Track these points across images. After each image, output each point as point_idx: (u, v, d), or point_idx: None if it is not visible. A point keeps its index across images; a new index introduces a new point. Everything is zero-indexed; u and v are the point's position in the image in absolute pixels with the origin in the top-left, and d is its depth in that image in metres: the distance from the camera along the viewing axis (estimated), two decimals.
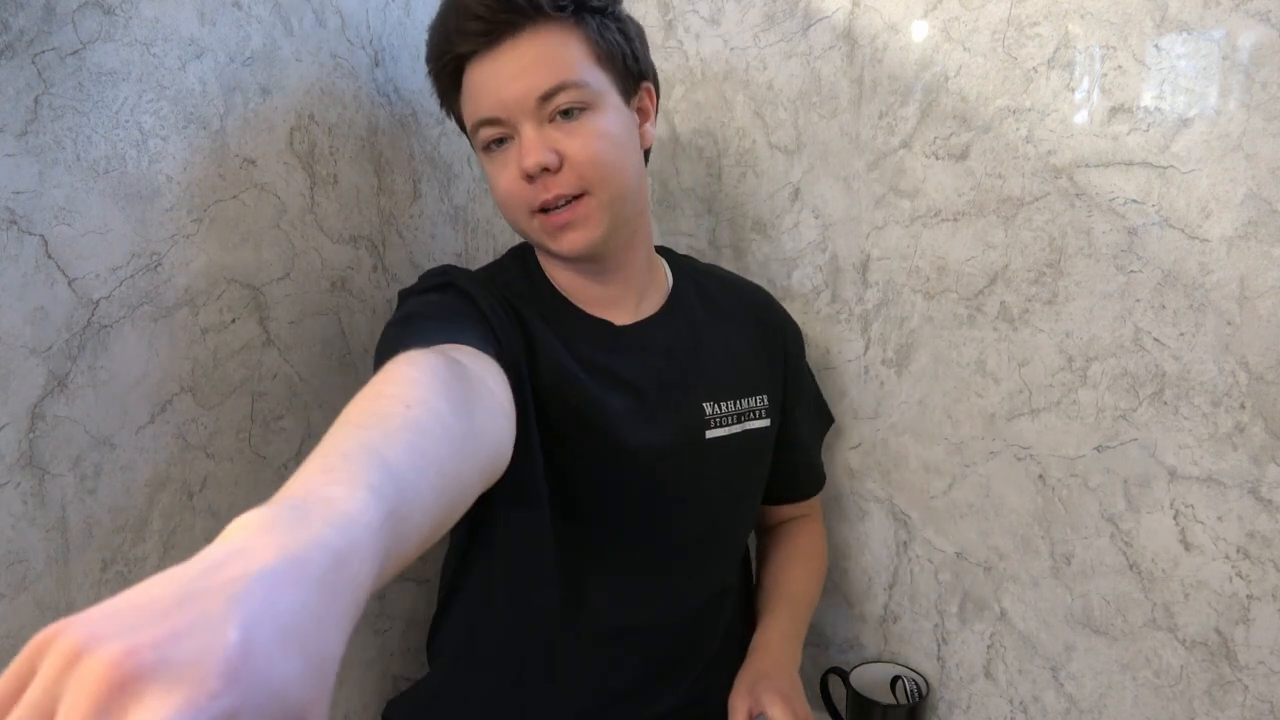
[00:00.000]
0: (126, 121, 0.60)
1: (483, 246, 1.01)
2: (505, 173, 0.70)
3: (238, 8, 0.68)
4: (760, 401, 0.82)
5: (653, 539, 0.78)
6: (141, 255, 0.61)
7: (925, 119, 0.89)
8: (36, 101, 0.54)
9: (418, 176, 0.90)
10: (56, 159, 0.55)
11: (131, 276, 0.61)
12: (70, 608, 0.58)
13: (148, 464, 0.63)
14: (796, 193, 0.99)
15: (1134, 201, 0.79)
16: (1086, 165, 0.81)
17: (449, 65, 0.70)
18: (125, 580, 0.61)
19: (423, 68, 0.90)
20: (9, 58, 0.52)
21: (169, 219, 0.63)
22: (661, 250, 0.87)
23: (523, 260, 0.80)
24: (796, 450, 0.90)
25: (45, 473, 0.56)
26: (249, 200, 0.70)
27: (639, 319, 0.78)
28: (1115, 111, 0.79)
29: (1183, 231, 0.77)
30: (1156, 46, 0.77)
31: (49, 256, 0.55)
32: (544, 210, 0.69)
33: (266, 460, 0.73)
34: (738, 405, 0.81)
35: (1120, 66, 0.78)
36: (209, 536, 0.69)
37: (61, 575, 0.57)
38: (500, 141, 0.69)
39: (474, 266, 0.99)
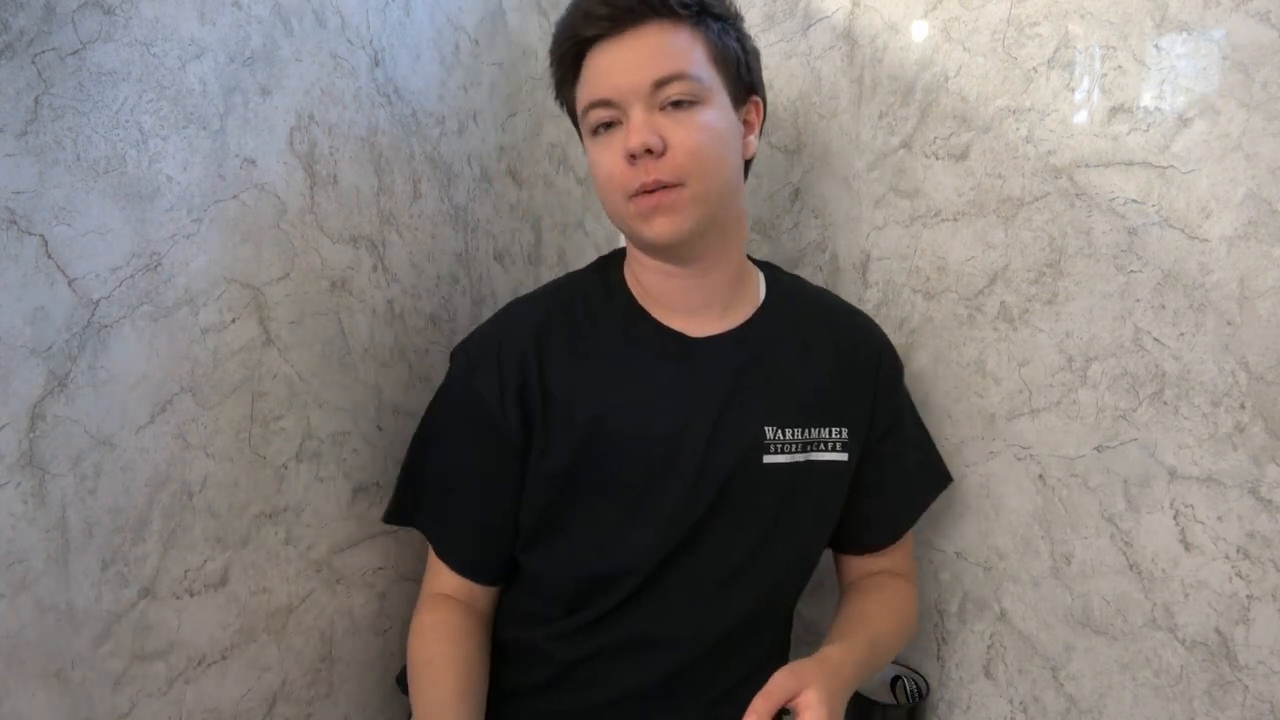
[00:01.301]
0: (126, 121, 0.60)
1: (483, 246, 1.01)
2: (609, 155, 0.71)
3: (238, 8, 0.68)
4: (837, 434, 0.79)
5: (689, 556, 0.76)
6: (141, 255, 0.61)
7: (925, 119, 0.89)
8: (36, 101, 0.54)
9: (418, 176, 0.90)
10: (56, 159, 0.55)
11: (131, 276, 0.61)
12: (70, 607, 0.58)
13: (148, 464, 0.63)
14: (796, 193, 0.99)
15: (1134, 201, 0.79)
16: (1086, 165, 0.81)
17: (572, 49, 0.72)
18: (125, 580, 0.61)
19: (423, 68, 0.90)
20: (9, 58, 0.52)
21: (169, 219, 0.63)
22: (766, 265, 0.86)
23: (605, 271, 0.82)
24: (872, 492, 0.84)
25: (45, 473, 0.56)
26: (249, 200, 0.70)
27: (719, 331, 0.78)
28: (1115, 111, 0.79)
29: (1183, 231, 0.77)
30: (1156, 46, 0.77)
31: (49, 256, 0.55)
32: (641, 193, 0.70)
33: (266, 460, 0.73)
34: (806, 434, 0.78)
35: (1120, 66, 0.78)
36: (209, 536, 0.69)
37: (61, 575, 0.57)
38: (609, 126, 0.71)
39: (473, 267, 0.99)
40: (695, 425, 0.75)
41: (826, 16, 0.94)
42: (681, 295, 0.77)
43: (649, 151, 0.68)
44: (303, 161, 0.75)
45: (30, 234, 0.54)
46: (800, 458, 0.78)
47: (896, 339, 0.95)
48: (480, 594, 0.82)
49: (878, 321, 0.87)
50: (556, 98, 0.79)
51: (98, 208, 0.58)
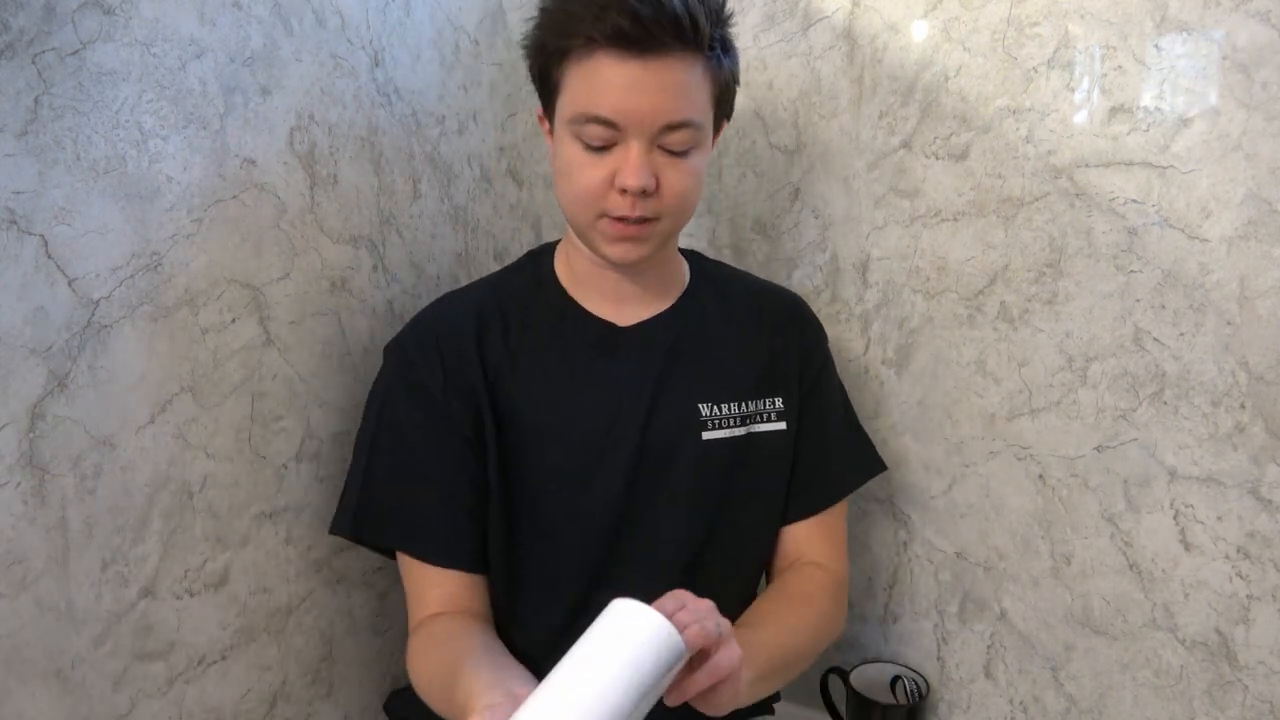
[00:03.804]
0: (126, 121, 0.60)
1: (483, 246, 1.01)
2: (593, 172, 0.68)
3: (238, 8, 0.68)
4: (773, 404, 0.80)
5: (639, 546, 0.76)
6: (141, 255, 0.61)
7: (925, 119, 0.89)
8: (36, 101, 0.54)
9: (418, 176, 0.90)
10: (56, 159, 0.55)
11: (131, 276, 0.61)
12: (70, 607, 0.58)
13: (148, 464, 0.63)
14: (796, 193, 1.00)
15: (1134, 201, 0.79)
16: (1086, 165, 0.81)
17: (577, 43, 0.66)
18: (125, 580, 0.61)
19: (423, 68, 0.90)
20: (9, 58, 0.52)
21: (169, 219, 0.63)
22: (690, 253, 0.86)
23: (535, 265, 0.82)
24: (802, 454, 0.83)
25: (45, 473, 0.56)
26: (249, 200, 0.70)
27: (646, 317, 0.79)
28: (1115, 111, 0.79)
29: (1183, 231, 0.77)
30: (1156, 46, 0.77)
31: (49, 256, 0.55)
32: (619, 219, 0.69)
33: (266, 460, 0.73)
34: (744, 407, 0.79)
35: (1120, 66, 0.78)
36: (209, 536, 0.69)
37: (61, 575, 0.57)
38: (602, 148, 0.68)
39: (473, 267, 0.99)
40: (629, 412, 0.75)
41: (826, 16, 0.94)
42: (613, 285, 0.78)
43: (643, 191, 0.67)
44: (303, 161, 0.75)
45: (30, 234, 0.54)
46: (740, 431, 0.78)
47: (896, 339, 0.95)
48: (469, 593, 0.75)
49: (878, 321, 0.86)
50: (533, 63, 0.71)
51: (98, 208, 0.58)
